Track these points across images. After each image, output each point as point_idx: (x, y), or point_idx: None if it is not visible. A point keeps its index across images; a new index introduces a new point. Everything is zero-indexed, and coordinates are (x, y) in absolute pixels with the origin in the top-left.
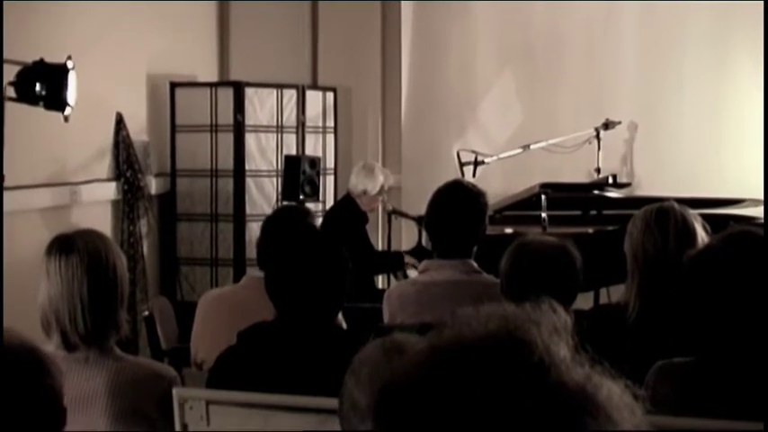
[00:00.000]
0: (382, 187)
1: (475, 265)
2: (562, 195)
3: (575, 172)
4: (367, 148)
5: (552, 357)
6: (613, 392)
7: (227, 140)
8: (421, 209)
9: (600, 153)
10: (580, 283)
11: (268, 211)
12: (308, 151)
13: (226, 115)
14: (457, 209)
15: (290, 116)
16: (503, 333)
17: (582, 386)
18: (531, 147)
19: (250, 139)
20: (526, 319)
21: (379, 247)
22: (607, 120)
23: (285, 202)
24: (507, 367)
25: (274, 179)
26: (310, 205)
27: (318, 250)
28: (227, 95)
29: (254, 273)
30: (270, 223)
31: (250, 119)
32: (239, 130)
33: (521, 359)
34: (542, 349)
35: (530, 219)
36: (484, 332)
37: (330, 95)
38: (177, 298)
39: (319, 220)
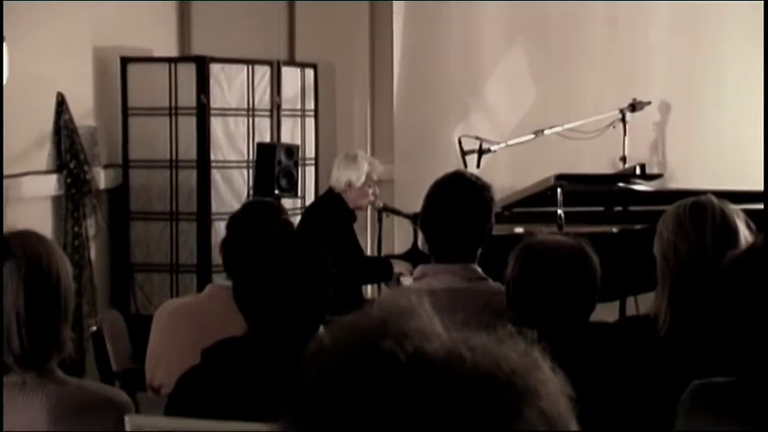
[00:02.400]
0: (369, 176)
1: (479, 270)
2: (581, 189)
3: (596, 161)
4: (353, 134)
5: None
6: (549, 384)
7: (188, 126)
8: (416, 205)
9: (626, 139)
10: (598, 291)
11: (238, 208)
12: (285, 138)
13: (187, 96)
14: (458, 205)
15: (262, 97)
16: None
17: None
18: (545, 132)
19: (216, 125)
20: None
21: (368, 251)
22: (634, 100)
23: (257, 198)
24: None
25: (245, 171)
26: (287, 202)
27: (296, 254)
28: (188, 73)
29: (220, 281)
30: (237, 222)
31: (216, 100)
32: (203, 113)
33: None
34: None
35: (543, 216)
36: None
37: (310, 73)
38: (131, 311)
39: (298, 219)
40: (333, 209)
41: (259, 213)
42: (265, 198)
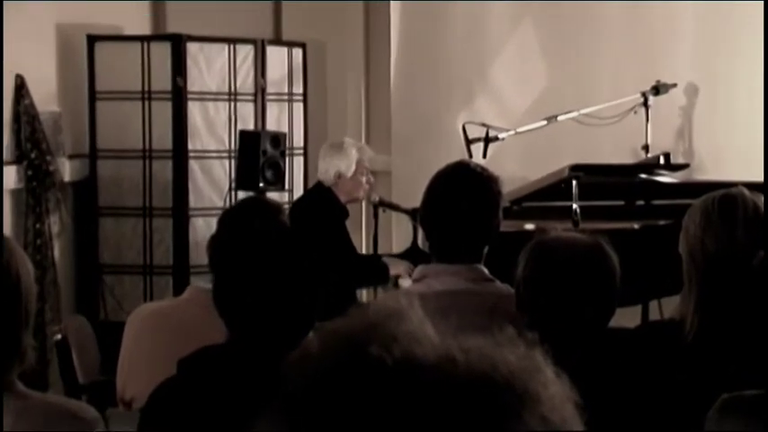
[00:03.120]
0: (360, 163)
1: (485, 271)
2: (599, 181)
3: (615, 150)
4: (346, 121)
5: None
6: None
7: (163, 111)
8: (416, 199)
9: (648, 125)
10: (618, 294)
11: (218, 202)
12: (270, 126)
13: (162, 79)
14: (462, 199)
15: (245, 80)
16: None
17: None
18: (559, 118)
19: (194, 110)
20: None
21: (362, 250)
22: (658, 82)
23: (242, 193)
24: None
25: (226, 162)
26: (273, 195)
27: (285, 254)
28: (163, 53)
29: (199, 283)
30: (229, 218)
31: (194, 83)
32: (180, 97)
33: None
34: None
35: (557, 211)
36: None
37: (298, 53)
38: (99, 317)
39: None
40: (322, 204)
41: (254, 211)
42: (254, 194)
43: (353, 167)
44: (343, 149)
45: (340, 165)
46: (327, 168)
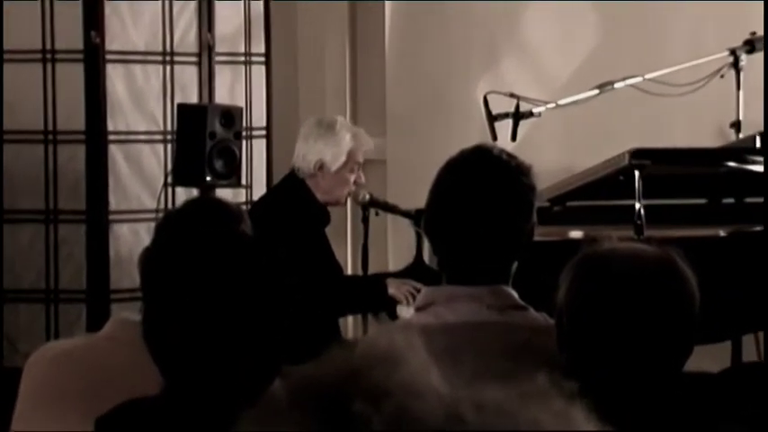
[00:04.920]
0: (352, 155)
1: (514, 294)
2: (671, 171)
3: (694, 129)
4: (324, 92)
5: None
6: None
7: (73, 78)
8: (419, 197)
9: (740, 94)
10: (696, 326)
11: (149, 203)
12: (221, 98)
13: (71, 35)
14: (482, 197)
15: (186, 35)
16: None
17: None
18: (616, 86)
19: (115, 76)
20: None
21: (348, 267)
22: (753, 35)
23: (181, 190)
24: None
25: (160, 147)
26: (225, 194)
27: (241, 274)
28: (71, 2)
29: (124, 314)
30: (167, 229)
31: (114, 40)
32: (95, 59)
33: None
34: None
35: (613, 213)
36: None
37: (257, 1)
38: None
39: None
40: (294, 205)
41: (202, 216)
42: (213, 195)
43: (343, 159)
44: (334, 132)
45: (325, 152)
46: (307, 154)
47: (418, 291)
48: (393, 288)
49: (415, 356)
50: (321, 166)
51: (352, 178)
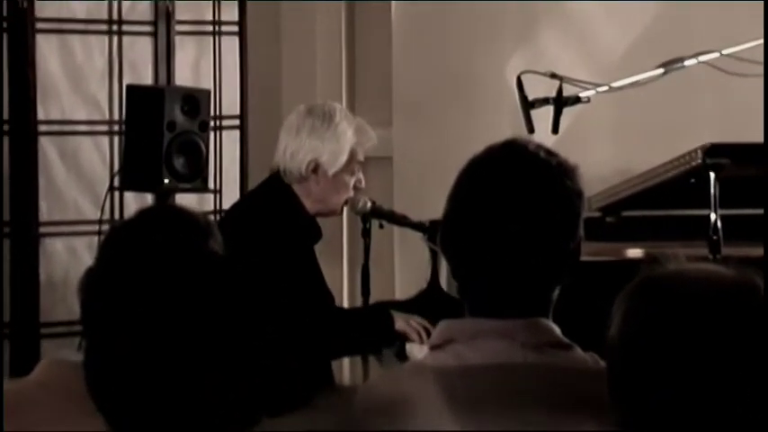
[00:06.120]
0: (353, 154)
1: (555, 329)
2: (755, 173)
3: None
4: (315, 71)
5: None
6: None
7: None
8: (434, 206)
9: None
10: None
11: (90, 212)
12: (182, 78)
13: None
14: (514, 205)
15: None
16: None
17: None
18: (686, 63)
19: (47, 49)
20: None
21: (343, 296)
22: None
23: (131, 196)
24: None
25: (104, 141)
26: (189, 200)
27: (211, 304)
28: None
29: (60, 353)
30: (116, 245)
31: (46, 5)
32: (21, 29)
33: None
34: None
35: (681, 225)
36: None
37: None
38: None
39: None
40: (278, 216)
41: (162, 230)
42: (180, 206)
43: (343, 159)
44: (333, 124)
45: (321, 150)
46: (297, 151)
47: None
48: (401, 323)
49: (428, 407)
50: (316, 168)
51: (352, 182)
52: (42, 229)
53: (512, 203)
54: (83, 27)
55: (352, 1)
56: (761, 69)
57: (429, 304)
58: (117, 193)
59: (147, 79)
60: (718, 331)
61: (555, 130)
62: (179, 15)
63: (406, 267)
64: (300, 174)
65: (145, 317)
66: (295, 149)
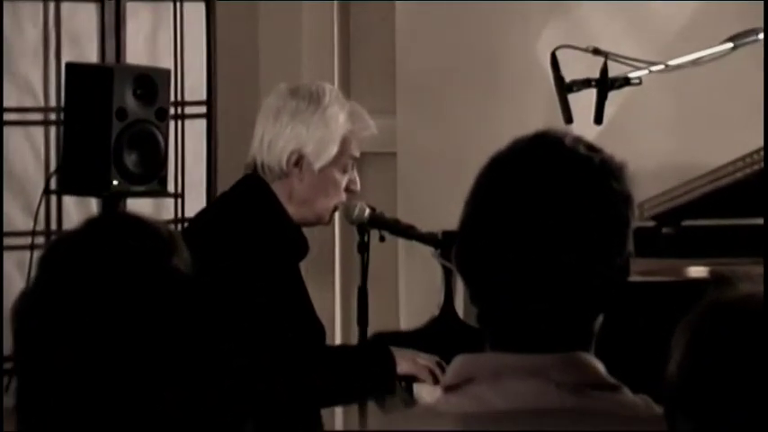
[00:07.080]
0: (346, 145)
1: (598, 366)
2: None
3: None
4: (300, 48)
5: None
6: None
7: None
8: (448, 213)
9: None
10: None
11: (22, 222)
12: (135, 56)
13: None
14: (547, 212)
15: None
16: None
17: None
18: (760, 35)
19: None
20: None
21: (335, 326)
22: None
23: (72, 201)
24: None
25: (38, 133)
26: (143, 206)
27: (174, 334)
28: None
29: None
30: (57, 263)
31: None
32: None
33: None
34: None
35: (752, 238)
36: None
37: None
38: None
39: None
40: (254, 223)
41: (115, 245)
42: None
43: (333, 151)
44: (321, 107)
45: (306, 138)
46: (275, 140)
47: (447, 362)
48: (406, 365)
49: None
50: (298, 161)
51: (344, 181)
52: None
53: (544, 211)
54: None
55: None
56: None
57: (441, 335)
58: (54, 198)
59: (91, 56)
60: None
61: (598, 119)
62: None
63: (414, 289)
64: (280, 168)
65: (92, 348)
66: (274, 137)
